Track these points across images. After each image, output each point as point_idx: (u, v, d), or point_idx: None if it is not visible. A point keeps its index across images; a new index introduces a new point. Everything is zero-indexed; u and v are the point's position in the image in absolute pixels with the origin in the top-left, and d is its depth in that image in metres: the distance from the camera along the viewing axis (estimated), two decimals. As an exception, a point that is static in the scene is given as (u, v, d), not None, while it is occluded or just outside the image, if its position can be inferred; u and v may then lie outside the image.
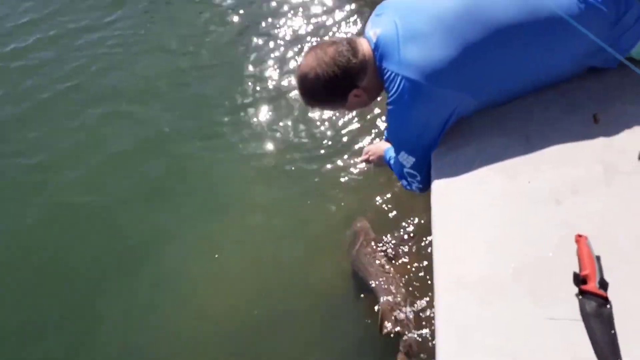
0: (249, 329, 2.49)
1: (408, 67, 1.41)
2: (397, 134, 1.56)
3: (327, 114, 3.26)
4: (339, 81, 1.52)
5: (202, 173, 3.22)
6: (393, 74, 1.44)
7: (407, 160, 1.57)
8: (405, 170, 1.62)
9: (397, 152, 1.60)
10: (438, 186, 1.43)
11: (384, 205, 2.75)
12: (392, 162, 1.81)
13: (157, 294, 2.73)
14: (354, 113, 3.20)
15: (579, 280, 1.11)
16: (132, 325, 2.62)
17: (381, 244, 2.48)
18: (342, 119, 3.23)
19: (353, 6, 4.01)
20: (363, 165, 2.89)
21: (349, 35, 3.78)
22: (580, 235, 1.17)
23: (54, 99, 3.95)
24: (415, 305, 2.23)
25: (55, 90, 4.02)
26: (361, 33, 3.43)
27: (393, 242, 2.50)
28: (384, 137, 2.08)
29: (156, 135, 3.50)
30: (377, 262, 2.36)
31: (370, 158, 2.03)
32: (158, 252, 2.88)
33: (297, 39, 3.91)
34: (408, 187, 1.71)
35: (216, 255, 2.80)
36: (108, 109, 3.76)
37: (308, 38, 3.90)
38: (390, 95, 1.47)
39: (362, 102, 1.62)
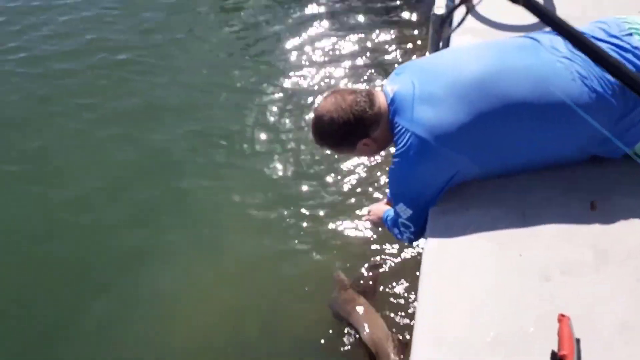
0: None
1: (419, 125, 1.46)
2: (399, 186, 1.60)
3: (328, 171, 3.32)
4: (352, 128, 1.58)
5: (195, 208, 3.23)
6: (404, 129, 1.49)
7: (405, 212, 1.60)
8: (401, 220, 1.65)
9: (396, 202, 1.63)
10: (431, 245, 1.45)
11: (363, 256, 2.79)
12: (389, 220, 1.84)
13: (130, 314, 2.71)
14: (356, 174, 3.26)
15: (556, 359, 1.12)
16: (106, 339, 2.61)
17: (356, 285, 2.54)
18: (339, 178, 3.27)
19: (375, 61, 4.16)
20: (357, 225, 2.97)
21: (368, 87, 3.88)
22: (563, 315, 1.18)
23: (63, 111, 4.04)
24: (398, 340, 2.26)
25: (67, 103, 4.12)
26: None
27: (365, 278, 2.57)
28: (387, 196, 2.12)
29: (157, 163, 3.54)
30: (356, 304, 2.40)
31: (370, 218, 2.08)
32: (138, 274, 2.88)
33: (311, 91, 4.00)
34: (399, 237, 1.74)
35: (197, 290, 2.79)
36: (115, 130, 3.82)
37: (321, 88, 4.00)
38: (397, 148, 1.52)
39: (371, 151, 1.68)
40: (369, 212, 2.11)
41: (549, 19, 0.73)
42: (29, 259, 3.02)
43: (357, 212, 3.02)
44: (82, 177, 3.48)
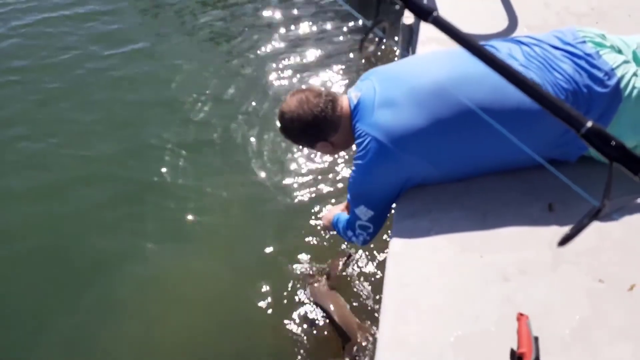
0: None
1: (378, 129, 1.50)
2: (359, 188, 1.62)
3: (303, 178, 3.35)
4: (311, 130, 1.66)
5: (174, 214, 3.21)
6: (364, 133, 1.53)
7: (365, 213, 1.63)
8: (359, 223, 1.67)
9: (356, 205, 1.65)
10: (395, 246, 1.47)
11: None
12: (339, 223, 1.87)
13: (95, 320, 2.68)
14: (331, 184, 3.31)
15: (515, 357, 1.14)
16: (78, 343, 2.58)
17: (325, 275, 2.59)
18: (315, 187, 3.29)
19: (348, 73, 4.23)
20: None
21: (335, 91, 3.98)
22: (522, 314, 1.21)
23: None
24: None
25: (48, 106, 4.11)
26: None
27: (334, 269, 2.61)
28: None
29: (136, 167, 3.53)
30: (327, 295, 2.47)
31: (323, 223, 2.12)
32: (110, 279, 2.85)
33: (280, 96, 4.03)
34: (353, 239, 1.77)
35: (173, 297, 2.78)
36: (96, 130, 3.83)
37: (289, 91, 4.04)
38: (357, 151, 1.56)
39: (329, 151, 1.75)
40: (322, 217, 2.17)
41: (456, 36, 0.78)
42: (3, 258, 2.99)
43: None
44: (46, 168, 3.50)
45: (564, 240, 0.76)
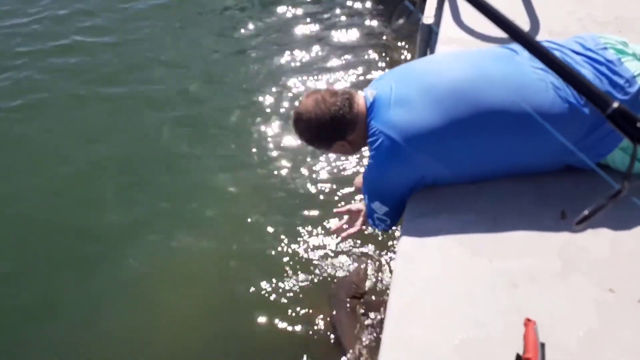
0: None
1: (391, 127, 1.49)
2: (373, 185, 1.63)
3: (319, 178, 3.37)
4: (329, 130, 1.63)
5: (182, 200, 3.27)
6: (378, 131, 1.52)
7: (380, 209, 1.64)
8: (376, 215, 1.68)
9: (371, 200, 1.65)
10: (404, 246, 1.46)
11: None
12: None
13: (106, 305, 2.74)
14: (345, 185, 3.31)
15: (521, 362, 1.13)
16: (83, 327, 2.64)
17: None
18: (332, 187, 3.30)
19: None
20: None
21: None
22: (529, 320, 1.19)
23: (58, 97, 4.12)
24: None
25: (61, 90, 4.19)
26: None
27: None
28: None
29: (144, 153, 3.59)
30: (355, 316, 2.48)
31: (355, 185, 2.09)
32: (111, 260, 2.91)
33: (298, 94, 4.05)
34: (373, 226, 1.76)
35: (178, 282, 2.83)
36: (108, 116, 3.90)
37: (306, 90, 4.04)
38: (371, 149, 1.55)
39: (346, 151, 1.73)
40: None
41: (484, 9, 0.77)
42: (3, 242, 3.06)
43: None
44: (61, 152, 3.59)
45: (581, 220, 0.76)
